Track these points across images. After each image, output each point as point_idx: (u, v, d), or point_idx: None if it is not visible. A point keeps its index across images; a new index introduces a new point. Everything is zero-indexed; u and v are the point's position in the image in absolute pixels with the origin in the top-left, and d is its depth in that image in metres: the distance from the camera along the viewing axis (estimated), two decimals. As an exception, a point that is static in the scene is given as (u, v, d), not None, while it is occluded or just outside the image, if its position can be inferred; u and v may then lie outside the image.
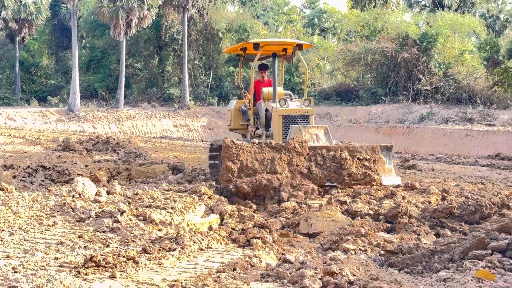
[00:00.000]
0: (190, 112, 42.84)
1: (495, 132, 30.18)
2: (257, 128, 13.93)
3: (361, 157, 11.91)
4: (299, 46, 14.12)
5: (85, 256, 6.62)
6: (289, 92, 14.31)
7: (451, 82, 39.19)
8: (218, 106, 45.67)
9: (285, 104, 12.88)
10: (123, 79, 43.29)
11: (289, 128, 12.59)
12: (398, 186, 12.19)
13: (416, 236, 8.62)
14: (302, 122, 12.76)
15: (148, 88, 49.29)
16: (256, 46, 13.78)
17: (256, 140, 11.88)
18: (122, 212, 8.91)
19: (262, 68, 15.07)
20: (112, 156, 19.00)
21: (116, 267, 6.32)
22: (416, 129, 34.08)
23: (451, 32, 42.97)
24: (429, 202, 10.78)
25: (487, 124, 32.35)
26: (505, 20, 56.53)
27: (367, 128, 36.21)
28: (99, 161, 17.21)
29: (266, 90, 13.86)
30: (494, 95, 37.51)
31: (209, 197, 11.18)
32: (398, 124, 36.00)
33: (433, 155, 24.95)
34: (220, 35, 48.74)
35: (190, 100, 44.66)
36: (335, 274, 6.02)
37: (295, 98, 13.86)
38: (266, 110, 13.59)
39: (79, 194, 10.42)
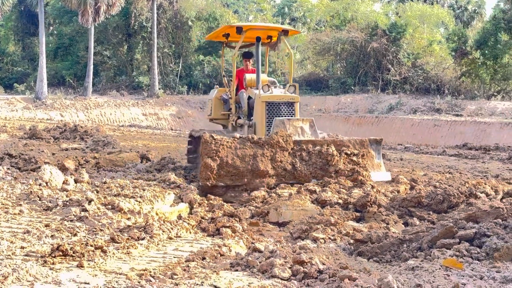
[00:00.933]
0: (159, 100, 42.59)
1: (463, 122, 30.55)
2: (239, 117, 13.32)
3: (349, 152, 11.38)
4: (285, 32, 13.40)
5: (52, 245, 6.52)
6: (273, 79, 13.51)
7: (419, 72, 39.53)
8: (187, 94, 45.48)
9: (269, 90, 12.19)
10: (91, 67, 42.81)
11: (273, 117, 11.97)
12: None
13: (385, 225, 8.68)
14: (287, 110, 12.12)
15: (117, 76, 48.83)
16: (239, 30, 12.98)
17: (237, 134, 11.32)
18: (90, 201, 8.82)
19: (247, 56, 14.27)
20: (80, 144, 18.79)
21: (83, 256, 6.24)
22: (385, 119, 34.34)
23: (420, 22, 43.37)
24: (398, 191, 10.85)
25: (454, 114, 32.73)
26: (473, 11, 57.25)
27: (336, 118, 36.37)
28: (66, 149, 17.02)
29: (249, 76, 13.26)
30: (462, 86, 37.94)
31: (178, 186, 11.14)
32: (367, 114, 36.25)
33: (401, 144, 25.16)
34: (190, 23, 48.45)
35: (159, 89, 44.38)
36: (305, 263, 6.02)
37: (279, 86, 13.18)
38: (249, 98, 12.90)
39: (46, 183, 10.29)
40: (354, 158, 11.36)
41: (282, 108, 12.11)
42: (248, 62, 14.04)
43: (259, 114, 12.13)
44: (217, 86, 15.10)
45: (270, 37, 13.65)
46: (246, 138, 11.04)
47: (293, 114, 12.13)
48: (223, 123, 14.28)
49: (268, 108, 12.04)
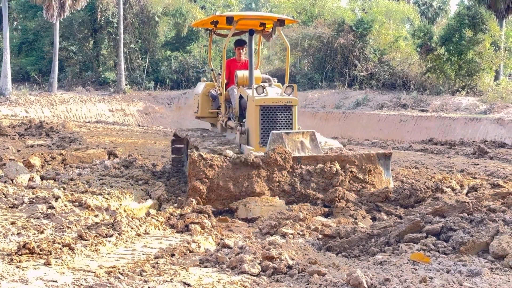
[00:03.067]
0: (126, 96, 42.27)
1: (428, 118, 30.86)
2: (229, 119, 11.92)
3: (355, 169, 10.20)
4: (281, 22, 11.87)
5: (18, 243, 6.46)
6: (267, 76, 12.28)
7: (385, 68, 39.78)
8: (154, 90, 45.22)
9: (263, 92, 10.73)
10: (57, 62, 42.27)
11: (268, 122, 10.66)
12: None
13: (353, 220, 8.75)
14: (284, 114, 10.76)
15: (83, 72, 48.30)
16: (230, 20, 11.57)
17: (230, 153, 10.00)
18: (56, 198, 8.75)
19: (239, 44, 12.74)
20: (46, 141, 18.58)
21: (51, 254, 6.19)
22: (352, 115, 34.53)
23: (386, 18, 43.64)
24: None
25: (420, 110, 33.02)
26: (438, 8, 57.85)
27: (304, 114, 36.39)
28: (32, 146, 16.83)
29: (241, 74, 11.80)
30: (427, 82, 38.27)
31: (146, 182, 11.09)
32: (334, 110, 36.41)
33: (368, 140, 25.33)
34: (157, 18, 48.15)
35: (126, 85, 44.03)
36: (274, 259, 6.05)
37: (275, 82, 12.05)
38: (241, 97, 11.56)
39: (12, 180, 10.18)
40: (360, 176, 10.21)
41: (278, 112, 10.78)
42: (241, 51, 12.68)
43: (252, 119, 10.82)
44: (204, 79, 14.05)
45: (263, 24, 12.30)
46: (240, 157, 9.85)
47: (291, 119, 10.82)
48: (211, 122, 13.04)
49: (262, 112, 10.70)
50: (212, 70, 12.90)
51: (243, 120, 11.30)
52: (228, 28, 12.25)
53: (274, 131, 10.42)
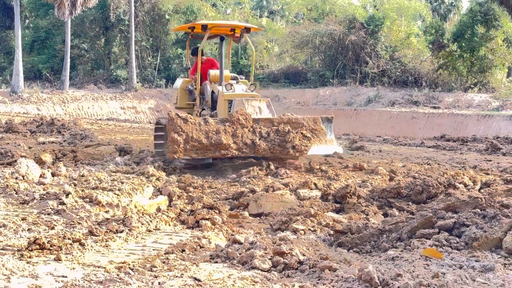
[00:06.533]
0: (138, 94, 42.30)
1: (440, 115, 30.75)
2: (203, 109, 14.33)
3: (303, 130, 12.54)
4: (247, 29, 14.59)
5: (29, 238, 6.46)
6: (235, 75, 14.81)
7: (397, 65, 39.66)
8: (166, 88, 45.24)
9: (231, 88, 13.30)
10: (68, 60, 42.34)
11: None
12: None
13: (365, 216, 8.69)
14: None
15: (94, 70, 48.42)
16: (204, 27, 14.24)
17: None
18: (67, 194, 8.74)
19: (193, 53, 15.19)
20: (57, 138, 18.60)
21: (61, 249, 6.18)
22: (364, 112, 34.43)
23: (397, 15, 43.48)
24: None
25: (432, 107, 32.91)
26: (450, 4, 57.54)
27: (315, 111, 36.29)
28: (43, 143, 16.84)
29: (213, 72, 14.25)
30: (439, 78, 38.12)
31: (157, 179, 11.08)
32: (346, 107, 36.32)
33: (380, 136, 25.21)
34: (168, 16, 48.19)
35: (137, 82, 44.07)
36: (285, 254, 6.01)
37: (242, 79, 14.45)
38: (213, 92, 14.01)
39: (23, 176, 10.19)
40: (308, 135, 12.55)
41: None
42: (196, 57, 14.72)
43: (222, 109, 13.21)
44: (182, 75, 16.16)
45: (233, 30, 14.68)
46: (209, 117, 12.41)
47: None
48: (189, 112, 14.67)
49: (230, 105, 13.16)
50: (189, 68, 15.77)
51: (214, 111, 13.69)
52: (203, 33, 14.55)
53: (236, 98, 13.03)
